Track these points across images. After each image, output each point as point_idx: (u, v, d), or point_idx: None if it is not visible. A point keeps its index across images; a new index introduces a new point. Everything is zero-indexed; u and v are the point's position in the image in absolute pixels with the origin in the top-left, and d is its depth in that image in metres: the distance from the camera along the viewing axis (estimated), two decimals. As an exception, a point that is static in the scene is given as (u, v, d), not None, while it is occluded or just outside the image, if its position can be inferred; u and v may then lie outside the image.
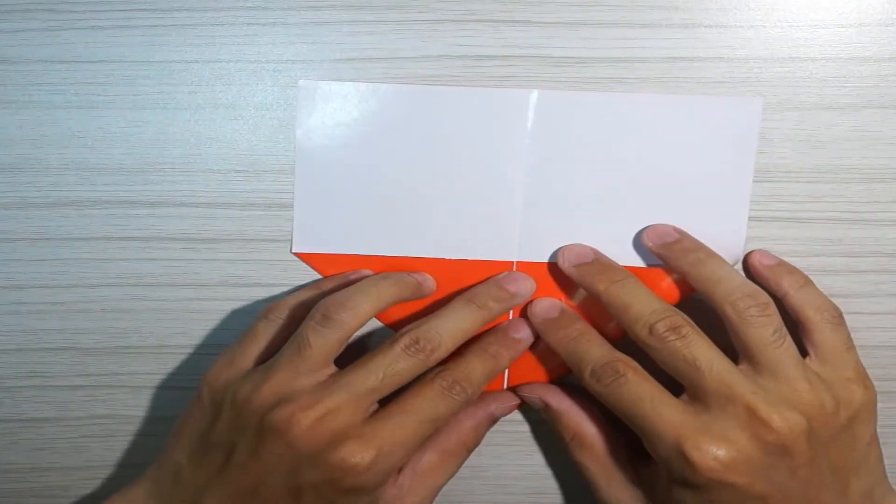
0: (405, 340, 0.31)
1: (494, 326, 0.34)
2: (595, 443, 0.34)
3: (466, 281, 0.35)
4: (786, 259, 0.35)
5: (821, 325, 0.32)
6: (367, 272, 0.35)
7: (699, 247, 0.33)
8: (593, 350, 0.32)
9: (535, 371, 0.36)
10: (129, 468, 0.38)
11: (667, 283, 0.35)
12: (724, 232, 0.35)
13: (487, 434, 0.36)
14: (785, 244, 0.35)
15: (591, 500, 0.35)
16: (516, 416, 0.37)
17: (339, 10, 0.34)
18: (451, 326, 0.32)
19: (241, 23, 0.34)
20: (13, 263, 0.36)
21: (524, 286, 0.34)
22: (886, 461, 0.33)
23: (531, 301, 0.35)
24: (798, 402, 0.30)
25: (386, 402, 0.31)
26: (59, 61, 0.34)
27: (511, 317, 0.35)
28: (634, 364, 0.31)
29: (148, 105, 0.35)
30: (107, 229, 0.36)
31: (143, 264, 0.36)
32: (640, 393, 0.30)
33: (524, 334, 0.34)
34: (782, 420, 0.29)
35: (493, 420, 0.35)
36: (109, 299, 0.36)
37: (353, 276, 0.34)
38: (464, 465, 0.38)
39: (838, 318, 0.32)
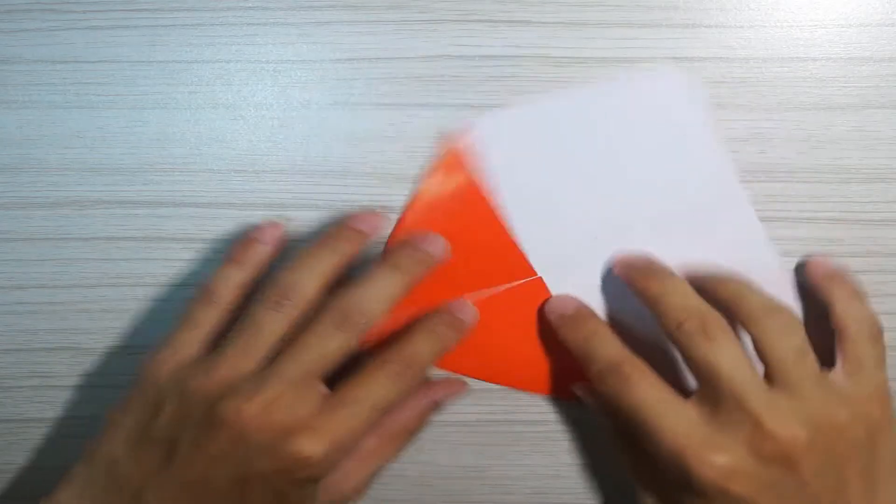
0: (334, 315, 0.30)
1: (439, 307, 0.34)
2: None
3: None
4: (786, 259, 0.35)
5: (856, 337, 0.32)
6: (268, 224, 0.34)
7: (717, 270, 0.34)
8: (602, 349, 0.32)
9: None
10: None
11: None
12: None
13: (488, 434, 0.37)
14: (785, 244, 0.35)
15: (591, 500, 0.35)
16: (516, 416, 0.37)
17: (339, 10, 0.34)
18: (377, 295, 0.31)
19: (241, 23, 0.34)
20: (13, 263, 0.36)
21: (439, 246, 0.33)
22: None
23: (548, 297, 0.35)
24: (809, 418, 0.29)
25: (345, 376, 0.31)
26: (59, 61, 0.34)
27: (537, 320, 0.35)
28: (642, 366, 0.31)
29: (148, 105, 0.35)
30: (107, 229, 0.36)
31: (143, 264, 0.36)
32: (644, 397, 0.30)
33: (468, 315, 0.34)
34: (788, 434, 0.29)
35: (438, 406, 0.35)
36: (109, 299, 0.36)
37: (255, 234, 0.33)
38: (464, 465, 0.38)
39: (877, 333, 0.32)
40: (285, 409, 0.29)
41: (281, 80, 0.34)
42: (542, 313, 0.35)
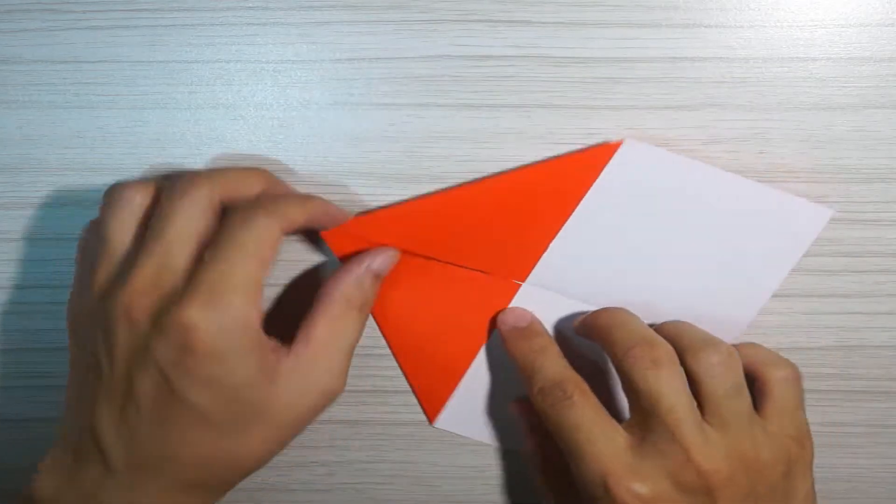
0: (171, 189, 0.30)
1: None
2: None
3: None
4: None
5: (777, 382, 0.32)
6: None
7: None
8: (547, 367, 0.32)
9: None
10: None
11: None
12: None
13: (487, 434, 0.36)
14: (785, 244, 0.35)
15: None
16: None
17: (339, 10, 0.34)
18: (207, 171, 0.31)
19: (241, 23, 0.34)
20: (13, 263, 0.36)
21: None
22: (884, 460, 0.33)
23: (504, 309, 0.35)
24: (735, 453, 0.30)
25: None
26: (59, 61, 0.34)
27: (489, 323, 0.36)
28: (584, 387, 0.32)
29: (148, 105, 0.35)
30: (107, 229, 0.36)
31: (143, 264, 0.36)
32: (581, 418, 0.31)
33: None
34: (711, 467, 0.30)
35: (376, 275, 0.33)
36: (109, 299, 0.36)
37: None
38: (464, 465, 0.38)
39: (796, 376, 0.33)
40: (157, 284, 0.29)
41: (281, 80, 0.34)
42: (492, 322, 0.35)
